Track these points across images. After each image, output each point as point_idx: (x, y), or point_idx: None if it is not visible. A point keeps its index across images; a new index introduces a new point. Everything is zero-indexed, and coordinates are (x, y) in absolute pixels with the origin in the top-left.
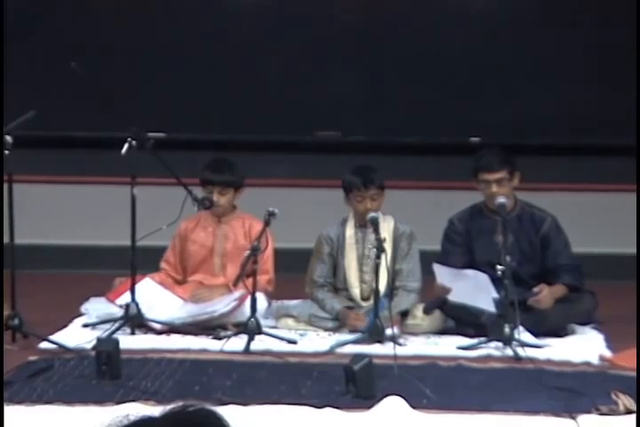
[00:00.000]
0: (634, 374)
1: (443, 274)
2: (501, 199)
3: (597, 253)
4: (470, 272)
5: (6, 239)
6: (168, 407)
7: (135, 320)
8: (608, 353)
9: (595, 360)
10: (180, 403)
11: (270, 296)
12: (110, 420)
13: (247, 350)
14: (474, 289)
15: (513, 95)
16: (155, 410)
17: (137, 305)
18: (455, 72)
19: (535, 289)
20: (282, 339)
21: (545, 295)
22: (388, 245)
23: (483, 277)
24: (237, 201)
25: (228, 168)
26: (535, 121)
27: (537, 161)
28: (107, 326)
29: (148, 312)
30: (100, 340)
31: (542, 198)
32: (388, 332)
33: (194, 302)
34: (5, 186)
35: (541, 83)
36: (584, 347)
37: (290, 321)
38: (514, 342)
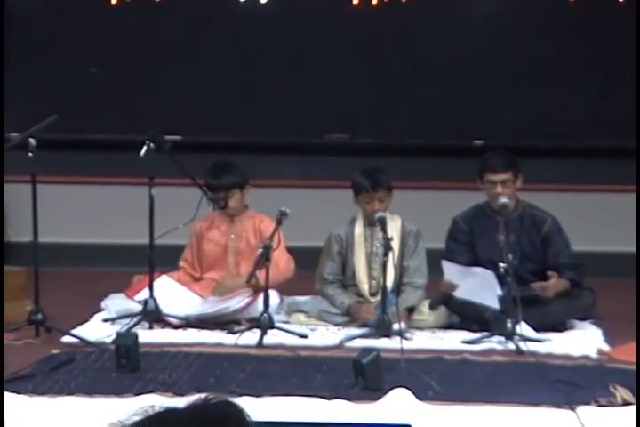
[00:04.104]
0: (631, 367)
1: (451, 271)
2: (504, 200)
3: (596, 251)
4: (478, 270)
5: (30, 238)
6: (191, 399)
7: (153, 315)
8: (606, 347)
9: (593, 354)
10: (200, 395)
11: (282, 293)
12: (135, 410)
13: (260, 344)
14: (480, 286)
15: (515, 99)
16: (172, 401)
17: (155, 301)
18: (460, 77)
19: (538, 284)
20: (293, 333)
21: (551, 284)
22: (395, 243)
23: (489, 275)
24: (249, 201)
25: (225, 171)
26: (536, 123)
27: (538, 162)
28: (126, 320)
29: (166, 308)
30: (119, 334)
31: (543, 199)
32: (396, 327)
33: (216, 295)
34: (29, 186)
35: (543, 86)
36: (583, 341)
37: (301, 316)
38: (516, 337)
